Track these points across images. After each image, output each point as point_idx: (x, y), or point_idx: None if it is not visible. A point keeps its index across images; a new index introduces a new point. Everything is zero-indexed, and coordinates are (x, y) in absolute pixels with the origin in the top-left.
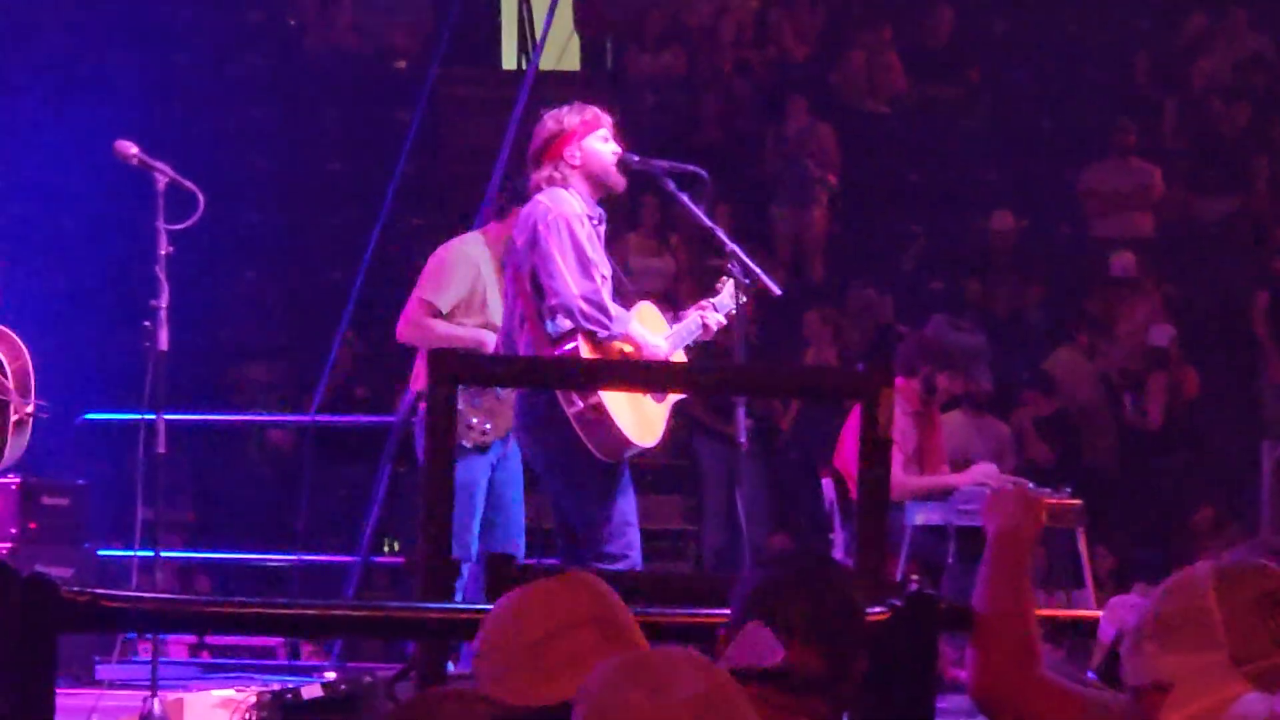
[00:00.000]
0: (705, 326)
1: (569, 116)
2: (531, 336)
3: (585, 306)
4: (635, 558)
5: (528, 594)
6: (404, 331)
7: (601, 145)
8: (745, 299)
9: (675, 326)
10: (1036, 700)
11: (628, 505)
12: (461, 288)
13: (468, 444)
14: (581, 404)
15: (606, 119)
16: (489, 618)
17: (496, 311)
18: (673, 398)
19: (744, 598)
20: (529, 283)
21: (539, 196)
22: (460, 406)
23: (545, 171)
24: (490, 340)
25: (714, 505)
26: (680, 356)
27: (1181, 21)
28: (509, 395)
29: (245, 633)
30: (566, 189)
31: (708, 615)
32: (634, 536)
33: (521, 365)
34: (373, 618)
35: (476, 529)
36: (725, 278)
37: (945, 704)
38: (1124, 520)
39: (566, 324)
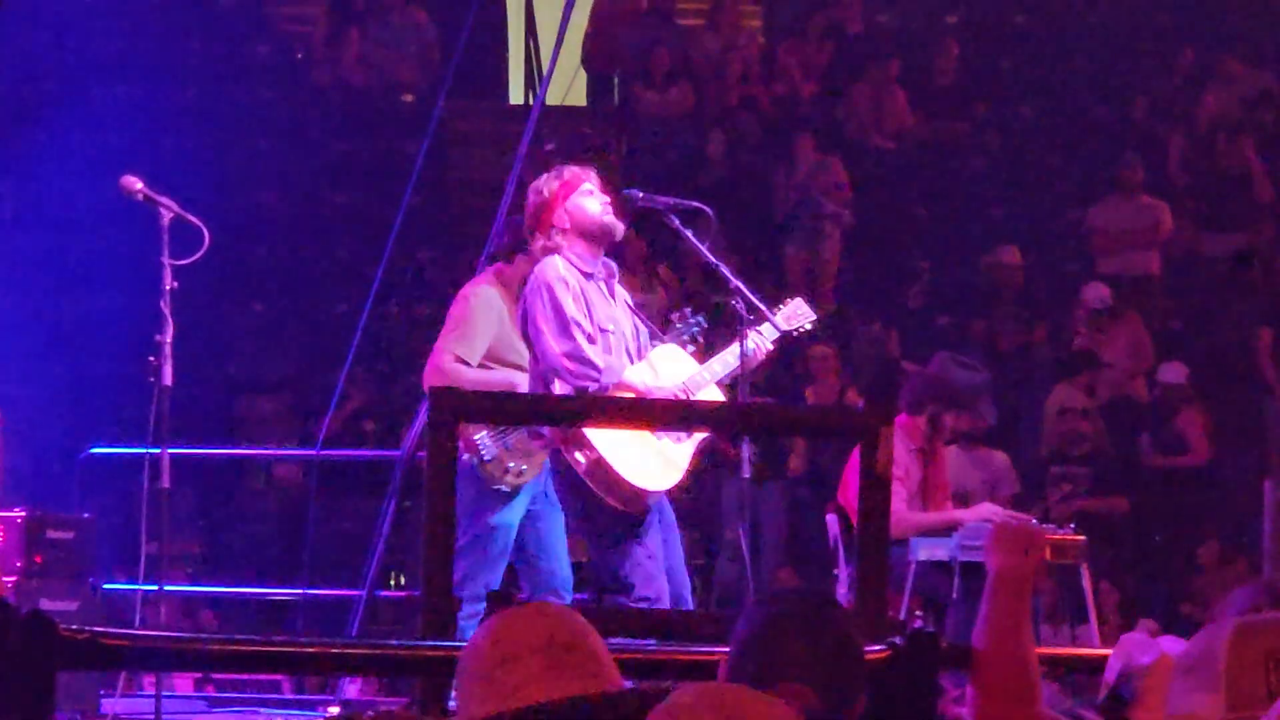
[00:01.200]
0: (743, 355)
1: (549, 184)
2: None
3: (568, 364)
4: (656, 596)
5: (491, 623)
6: (433, 379)
7: (587, 200)
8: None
9: (704, 365)
10: None
11: (654, 543)
12: (487, 337)
13: (505, 488)
14: (585, 462)
15: (590, 173)
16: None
17: (523, 353)
18: (697, 437)
19: (743, 637)
20: (531, 350)
21: (535, 268)
22: (495, 451)
23: (539, 242)
24: (521, 381)
25: (729, 541)
26: (714, 393)
27: (1174, 60)
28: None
29: (246, 670)
30: (561, 254)
31: (706, 653)
32: (654, 571)
33: (521, 402)
34: (374, 655)
35: (502, 570)
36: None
37: None
38: (1129, 556)
39: (560, 385)
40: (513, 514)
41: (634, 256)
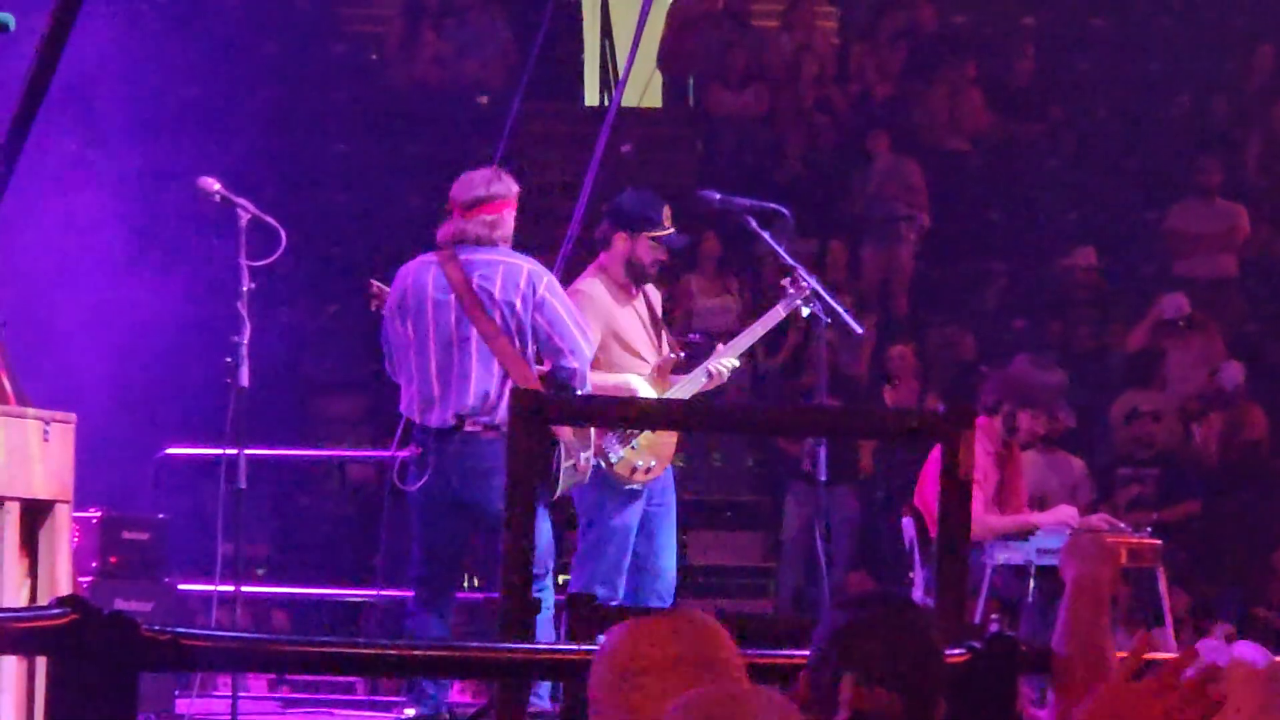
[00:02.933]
0: (711, 375)
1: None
2: None
3: None
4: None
5: (623, 631)
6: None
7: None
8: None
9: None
10: None
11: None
12: (598, 332)
13: (638, 486)
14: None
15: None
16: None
17: (643, 346)
18: None
19: (823, 640)
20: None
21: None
22: (621, 452)
23: None
24: (639, 383)
25: (794, 543)
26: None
27: (1251, 61)
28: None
29: (325, 673)
30: None
31: (785, 656)
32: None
33: (603, 404)
34: (452, 658)
35: (625, 570)
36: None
37: None
38: (1201, 559)
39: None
40: (635, 514)
41: (708, 260)
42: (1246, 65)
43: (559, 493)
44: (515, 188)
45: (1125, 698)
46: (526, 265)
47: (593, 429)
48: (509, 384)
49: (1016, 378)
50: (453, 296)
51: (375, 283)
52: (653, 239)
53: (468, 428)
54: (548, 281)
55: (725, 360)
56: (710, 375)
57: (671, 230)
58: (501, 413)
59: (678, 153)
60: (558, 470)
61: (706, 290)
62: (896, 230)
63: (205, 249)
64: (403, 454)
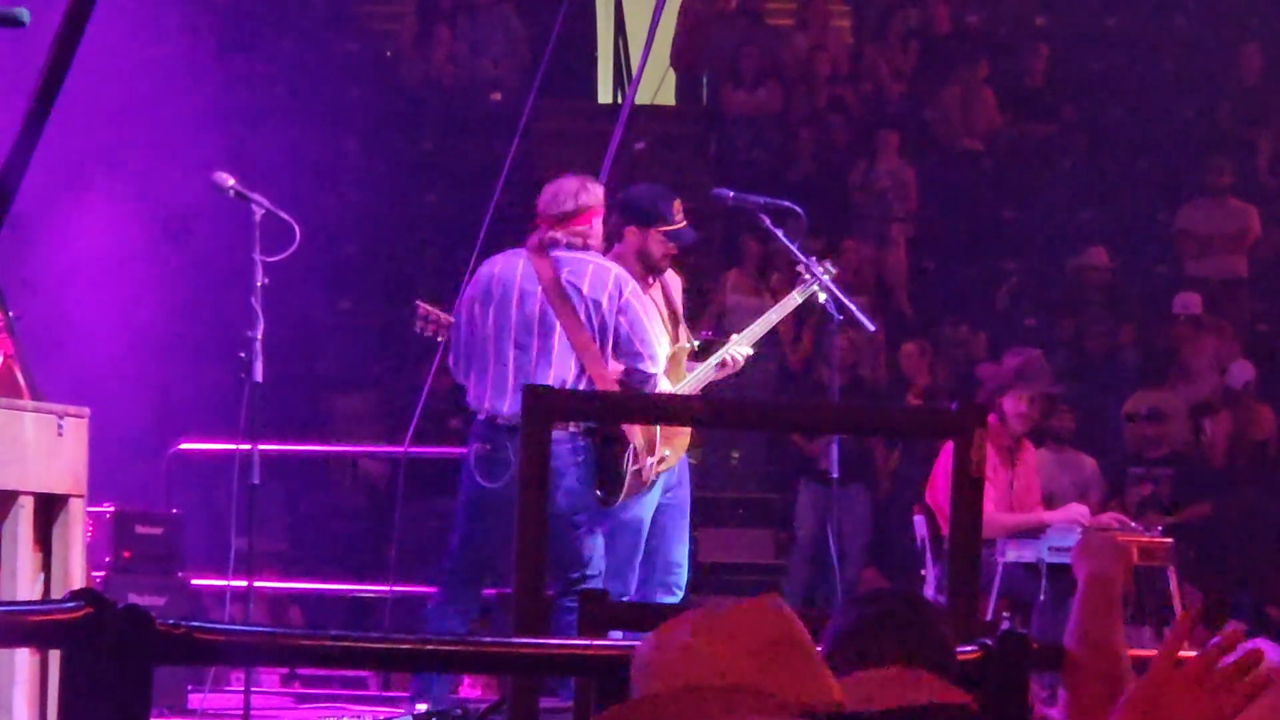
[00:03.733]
0: (723, 364)
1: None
2: None
3: None
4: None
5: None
6: None
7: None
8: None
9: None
10: None
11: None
12: (666, 345)
13: (652, 478)
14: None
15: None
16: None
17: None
18: None
19: (837, 636)
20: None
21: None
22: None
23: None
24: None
25: (806, 541)
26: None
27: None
28: None
29: (341, 667)
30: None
31: None
32: None
33: (613, 400)
34: (465, 653)
35: (637, 564)
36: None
37: None
38: (1212, 558)
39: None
40: (647, 507)
41: (751, 259)
42: (1251, 66)
43: (621, 498)
44: (601, 192)
45: (1169, 684)
46: (615, 269)
47: (658, 434)
48: (585, 379)
49: (991, 370)
50: (540, 288)
51: (422, 304)
52: (663, 233)
53: None
54: (633, 287)
55: (740, 348)
56: (725, 363)
57: (683, 224)
58: None
59: (691, 150)
60: (625, 473)
61: (742, 288)
62: (887, 231)
63: (219, 244)
64: (416, 450)
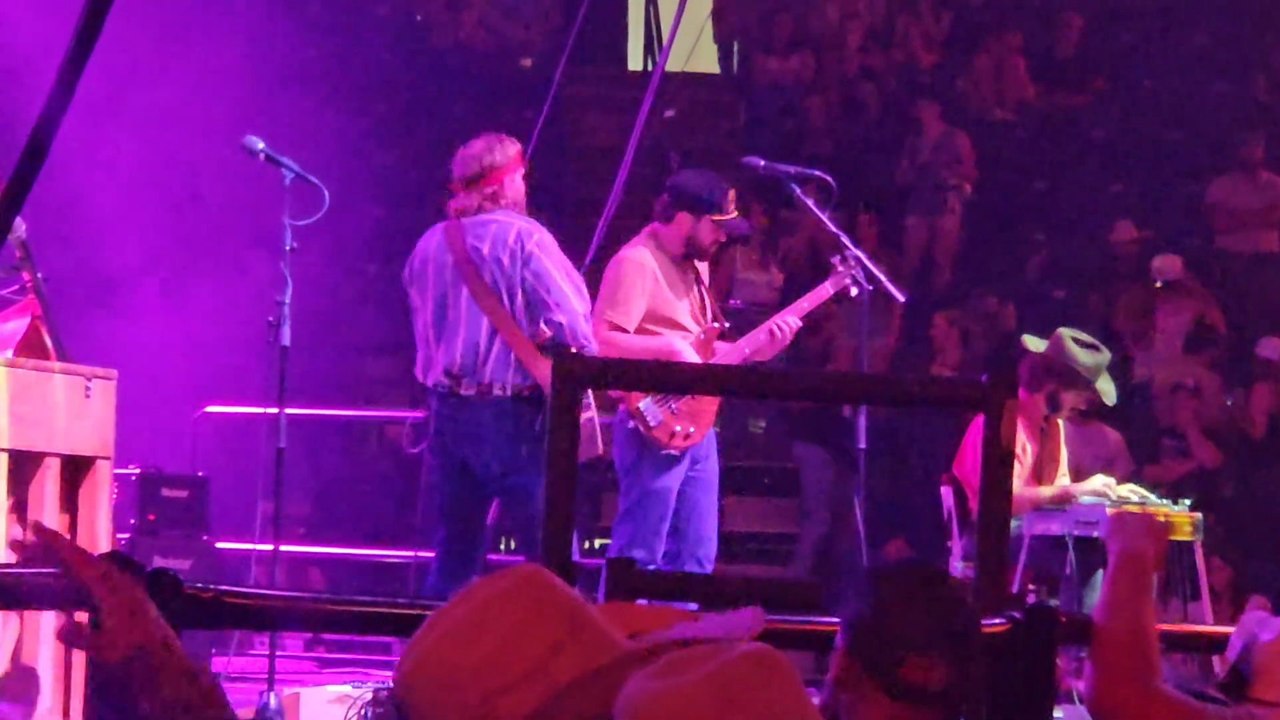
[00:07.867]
0: (772, 333)
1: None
2: None
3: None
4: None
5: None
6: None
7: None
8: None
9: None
10: (1154, 714)
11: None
12: (642, 300)
13: (675, 451)
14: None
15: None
16: None
17: (683, 313)
18: None
19: (863, 611)
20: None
21: None
22: (660, 416)
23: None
24: (682, 346)
25: (815, 509)
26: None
27: None
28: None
29: (370, 632)
30: None
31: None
32: None
33: (644, 369)
34: None
35: (665, 534)
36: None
37: (1063, 715)
38: (1238, 532)
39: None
40: (675, 478)
41: (756, 235)
42: None
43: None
44: (513, 149)
45: None
46: (518, 223)
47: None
48: (498, 341)
49: (1062, 357)
50: (450, 258)
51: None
52: (715, 221)
53: (462, 391)
54: (538, 238)
55: (790, 317)
56: (773, 334)
57: (735, 214)
58: (490, 372)
59: (721, 118)
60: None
61: (749, 263)
62: (944, 200)
63: (248, 207)
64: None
